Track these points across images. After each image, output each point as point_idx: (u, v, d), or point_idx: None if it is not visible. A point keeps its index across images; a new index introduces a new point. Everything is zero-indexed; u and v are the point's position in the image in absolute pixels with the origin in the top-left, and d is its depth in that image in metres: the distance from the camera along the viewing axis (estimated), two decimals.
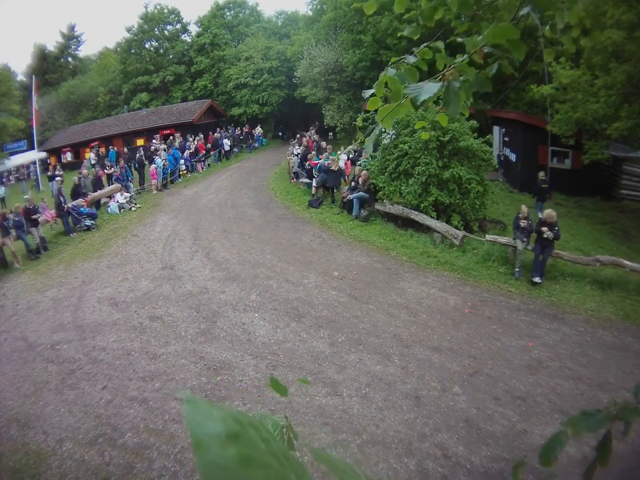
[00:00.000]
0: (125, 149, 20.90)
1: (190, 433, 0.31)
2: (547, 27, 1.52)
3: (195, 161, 17.89)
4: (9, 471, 3.85)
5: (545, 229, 6.94)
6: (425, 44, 1.45)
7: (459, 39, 1.47)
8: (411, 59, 1.37)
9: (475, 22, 1.45)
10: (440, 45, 1.43)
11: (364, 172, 10.36)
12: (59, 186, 11.62)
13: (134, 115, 26.12)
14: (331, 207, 11.36)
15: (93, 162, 17.88)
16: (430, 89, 1.18)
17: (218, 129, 22.86)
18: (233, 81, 26.27)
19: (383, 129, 1.45)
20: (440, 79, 1.26)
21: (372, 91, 1.43)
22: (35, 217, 9.63)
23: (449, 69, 1.28)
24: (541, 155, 12.92)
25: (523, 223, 7.28)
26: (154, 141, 20.53)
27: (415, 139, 9.11)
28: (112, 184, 13.56)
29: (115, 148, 20.50)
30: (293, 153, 15.07)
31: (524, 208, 7.51)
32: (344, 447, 3.86)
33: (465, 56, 1.31)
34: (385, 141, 10.26)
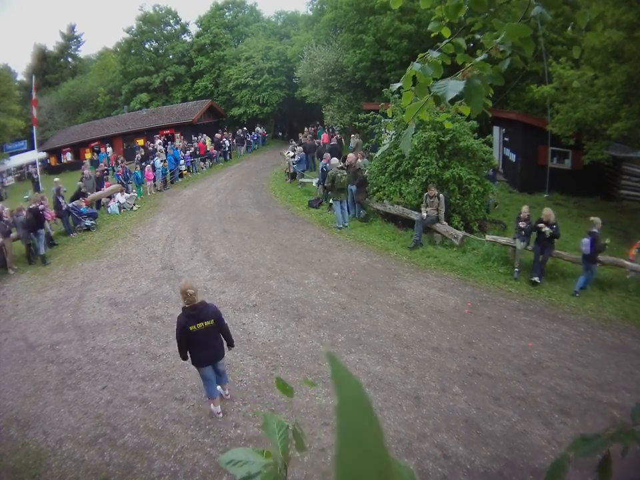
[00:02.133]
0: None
1: (336, 390, 0.33)
2: (569, 29, 1.60)
3: (195, 161, 17.94)
4: (9, 471, 3.85)
5: (542, 225, 6.93)
6: (448, 40, 1.54)
7: (477, 36, 1.57)
8: (435, 54, 1.46)
9: (488, 19, 1.51)
10: (461, 41, 1.52)
11: (350, 155, 10.62)
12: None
13: (134, 115, 26.12)
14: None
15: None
16: (455, 86, 1.24)
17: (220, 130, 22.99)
18: (233, 81, 26.27)
19: (414, 128, 1.52)
20: (460, 76, 1.34)
21: (399, 84, 1.53)
22: (41, 209, 9.61)
23: (468, 67, 1.35)
24: (541, 155, 12.93)
25: (522, 224, 7.27)
26: (153, 141, 20.58)
27: (415, 138, 9.10)
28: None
29: (111, 149, 20.58)
30: (289, 154, 15.12)
31: (525, 208, 7.49)
32: None
33: (484, 55, 1.38)
34: (385, 141, 10.27)
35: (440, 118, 7.63)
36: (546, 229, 6.89)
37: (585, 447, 0.81)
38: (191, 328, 3.91)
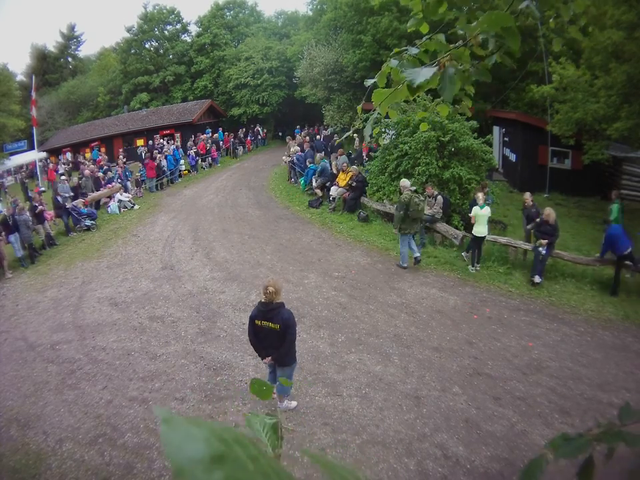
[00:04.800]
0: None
1: (168, 459, 0.28)
2: (551, 20, 1.56)
3: (197, 161, 18.00)
4: (9, 470, 3.85)
5: (543, 242, 6.94)
6: (427, 36, 1.47)
7: (460, 32, 1.51)
8: (413, 51, 1.40)
9: (472, 14, 1.47)
10: (441, 37, 1.46)
11: (353, 168, 10.96)
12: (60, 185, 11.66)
13: (134, 115, 26.10)
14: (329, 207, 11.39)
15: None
16: (425, 73, 1.19)
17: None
18: (232, 81, 26.25)
19: (379, 114, 1.47)
20: (436, 65, 1.28)
21: (373, 80, 1.46)
22: (39, 210, 9.66)
23: (445, 56, 1.30)
24: (541, 155, 12.93)
25: (533, 210, 7.17)
26: (153, 141, 20.56)
27: (415, 139, 9.10)
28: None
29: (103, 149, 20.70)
30: (288, 155, 15.17)
31: (527, 195, 7.41)
32: (344, 447, 3.86)
33: (460, 42, 1.32)
34: (385, 141, 10.27)
35: (418, 115, 7.56)
36: (541, 248, 6.94)
37: (566, 447, 0.74)
38: (256, 322, 3.96)
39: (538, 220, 7.23)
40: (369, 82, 1.52)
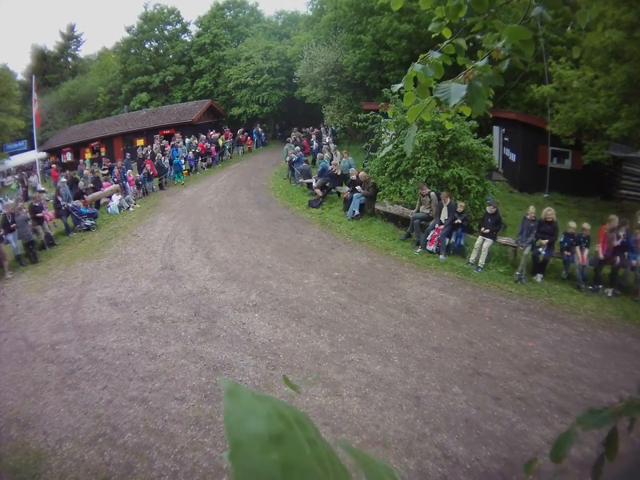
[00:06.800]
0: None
1: (227, 432, 0.27)
2: (569, 28, 1.62)
3: (197, 161, 18.00)
4: (9, 471, 3.85)
5: (543, 242, 6.95)
6: (448, 40, 1.54)
7: (478, 36, 1.59)
8: (436, 55, 1.47)
9: (489, 20, 1.51)
10: (462, 42, 1.53)
11: (362, 173, 10.38)
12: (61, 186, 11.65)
13: (134, 114, 26.09)
14: (330, 207, 11.37)
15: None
16: (458, 91, 1.24)
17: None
18: (232, 81, 26.24)
19: (417, 129, 1.53)
20: (462, 79, 1.34)
21: (400, 85, 1.54)
22: (39, 214, 9.66)
23: (470, 69, 1.36)
24: (541, 155, 12.93)
25: (532, 224, 7.20)
26: (153, 141, 20.52)
27: (415, 139, 9.09)
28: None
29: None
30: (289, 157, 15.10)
31: (532, 209, 7.43)
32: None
33: (485, 58, 1.40)
34: (385, 141, 10.26)
35: (441, 118, 7.63)
36: (543, 246, 6.93)
37: (593, 420, 0.80)
38: None
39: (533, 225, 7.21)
40: (396, 87, 1.60)
